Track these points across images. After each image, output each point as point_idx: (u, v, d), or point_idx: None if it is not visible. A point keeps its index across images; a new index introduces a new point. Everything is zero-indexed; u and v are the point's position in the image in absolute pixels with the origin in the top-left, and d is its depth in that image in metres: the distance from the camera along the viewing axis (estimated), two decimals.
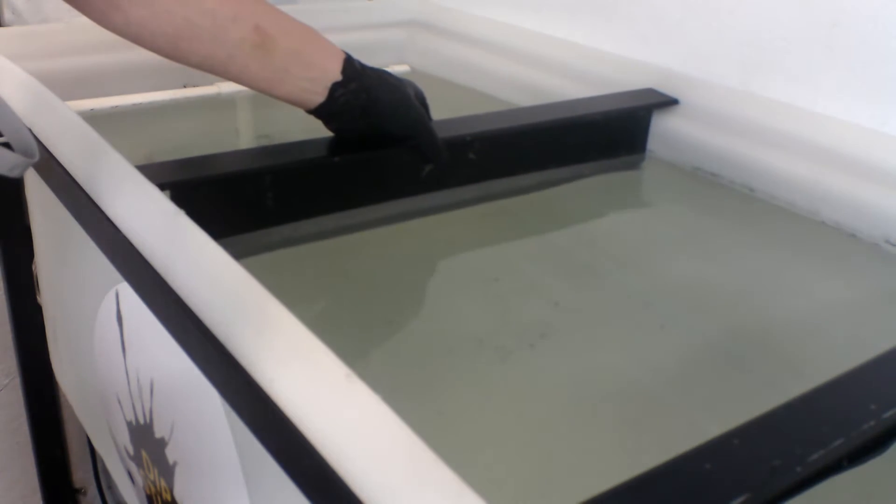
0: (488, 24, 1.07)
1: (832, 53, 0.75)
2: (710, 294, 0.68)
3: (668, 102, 0.86)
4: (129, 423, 0.63)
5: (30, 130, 0.56)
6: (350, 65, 0.66)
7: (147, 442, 0.60)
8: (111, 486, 1.08)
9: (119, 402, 0.64)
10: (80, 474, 1.15)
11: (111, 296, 0.61)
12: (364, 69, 0.67)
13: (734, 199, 0.82)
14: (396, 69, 1.13)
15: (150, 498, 0.64)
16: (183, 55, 0.61)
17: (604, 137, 0.86)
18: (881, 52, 0.72)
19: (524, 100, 1.00)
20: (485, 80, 1.05)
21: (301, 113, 0.68)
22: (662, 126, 0.88)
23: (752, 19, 0.81)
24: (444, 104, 0.83)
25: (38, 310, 0.94)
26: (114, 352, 0.63)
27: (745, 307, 0.66)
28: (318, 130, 0.70)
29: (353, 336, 0.59)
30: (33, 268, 0.92)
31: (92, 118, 0.81)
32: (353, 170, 0.71)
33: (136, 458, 0.64)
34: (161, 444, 0.57)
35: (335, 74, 0.64)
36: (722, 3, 0.83)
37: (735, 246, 0.77)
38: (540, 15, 1.02)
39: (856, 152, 0.72)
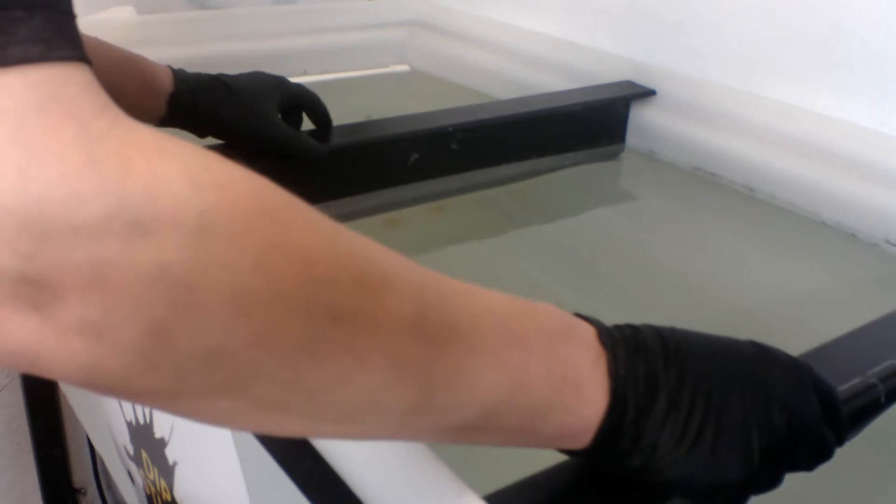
0: (488, 24, 1.07)
1: (832, 53, 0.75)
2: (708, 291, 0.68)
3: (646, 93, 0.88)
4: (129, 423, 0.63)
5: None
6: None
7: (147, 442, 0.60)
8: (111, 486, 1.08)
9: (119, 402, 0.64)
10: (80, 474, 1.15)
11: None
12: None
13: (714, 190, 0.82)
14: (396, 69, 1.13)
15: (150, 498, 0.64)
16: None
17: (583, 128, 0.88)
18: (881, 52, 0.72)
19: None
20: (485, 80, 1.05)
21: None
22: (640, 117, 0.89)
23: (753, 19, 0.81)
24: (444, 104, 0.83)
25: None
26: None
27: (743, 305, 0.66)
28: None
29: None
30: None
31: None
32: (338, 160, 0.72)
33: (136, 458, 0.64)
34: (161, 444, 0.57)
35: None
36: (722, 3, 0.83)
37: (728, 241, 0.77)
38: (541, 14, 1.02)
39: (855, 152, 0.72)
